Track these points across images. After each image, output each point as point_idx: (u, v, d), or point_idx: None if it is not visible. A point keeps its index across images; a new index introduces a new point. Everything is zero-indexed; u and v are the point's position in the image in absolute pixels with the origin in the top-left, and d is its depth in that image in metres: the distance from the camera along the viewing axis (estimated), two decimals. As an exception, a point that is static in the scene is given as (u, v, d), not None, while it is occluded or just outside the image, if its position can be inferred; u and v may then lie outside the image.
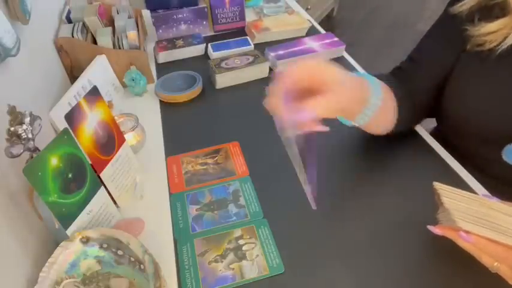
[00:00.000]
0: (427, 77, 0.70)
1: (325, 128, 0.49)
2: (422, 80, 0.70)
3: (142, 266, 0.51)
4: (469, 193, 0.51)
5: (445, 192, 0.50)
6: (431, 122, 0.84)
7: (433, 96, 0.71)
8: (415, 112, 0.70)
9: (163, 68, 1.03)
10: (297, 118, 0.47)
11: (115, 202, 0.64)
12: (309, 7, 2.52)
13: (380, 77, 0.65)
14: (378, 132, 0.67)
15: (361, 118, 0.57)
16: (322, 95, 0.47)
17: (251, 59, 0.97)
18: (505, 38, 0.58)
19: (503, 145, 0.63)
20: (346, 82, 0.50)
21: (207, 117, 0.86)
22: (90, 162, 0.58)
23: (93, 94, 0.60)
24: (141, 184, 0.70)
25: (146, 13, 1.19)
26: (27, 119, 0.51)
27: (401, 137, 0.74)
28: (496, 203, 0.50)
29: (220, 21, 1.18)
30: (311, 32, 1.16)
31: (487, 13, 0.60)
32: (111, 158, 0.64)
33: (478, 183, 0.65)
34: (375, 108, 0.56)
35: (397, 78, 0.71)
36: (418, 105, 0.70)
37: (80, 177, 0.55)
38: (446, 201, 0.49)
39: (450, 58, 0.67)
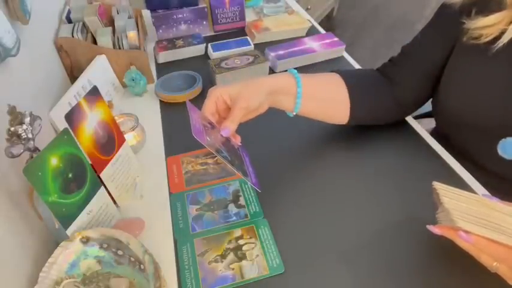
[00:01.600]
0: (415, 68, 0.72)
1: (238, 138, 0.64)
2: (409, 72, 0.72)
3: (142, 266, 0.51)
4: (469, 193, 0.51)
5: (445, 191, 0.50)
6: (431, 122, 0.84)
7: (423, 89, 0.73)
8: (387, 102, 0.74)
9: (163, 68, 1.03)
10: (218, 137, 0.60)
11: (115, 202, 0.64)
12: (309, 7, 2.52)
13: (347, 71, 0.74)
14: (336, 120, 0.73)
15: (294, 107, 0.66)
16: (229, 114, 0.59)
17: (251, 59, 0.97)
18: (501, 33, 0.59)
19: (498, 139, 0.63)
20: (242, 90, 0.60)
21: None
22: (90, 162, 0.58)
23: (93, 94, 0.60)
24: (141, 184, 0.70)
25: (146, 13, 1.19)
26: (27, 119, 0.51)
27: (392, 127, 0.77)
28: (496, 203, 0.50)
29: (220, 21, 1.18)
30: (311, 32, 1.16)
31: (484, 6, 0.61)
32: (111, 158, 0.64)
33: (478, 183, 0.65)
34: (300, 95, 0.65)
35: (385, 72, 0.75)
36: (402, 97, 0.73)
37: (80, 177, 0.55)
38: (446, 200, 0.49)
39: (440, 50, 0.68)
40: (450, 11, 0.65)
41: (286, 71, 0.67)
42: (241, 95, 0.60)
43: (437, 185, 0.51)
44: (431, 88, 0.72)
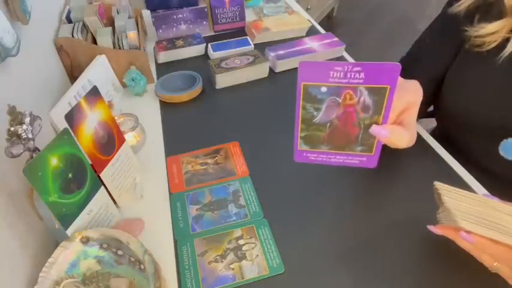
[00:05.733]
0: (424, 73, 0.71)
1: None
2: (420, 76, 0.71)
3: (142, 266, 0.51)
4: (470, 193, 0.51)
5: (446, 191, 0.50)
6: (431, 122, 0.84)
7: (430, 92, 0.73)
8: None
9: (163, 68, 1.03)
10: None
11: (115, 202, 0.64)
12: (309, 7, 2.52)
13: None
14: None
15: None
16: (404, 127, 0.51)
17: (251, 59, 0.97)
18: (504, 39, 0.59)
19: (500, 140, 0.64)
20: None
21: (207, 117, 0.86)
22: (90, 162, 0.58)
23: (93, 94, 0.60)
24: (141, 184, 0.70)
25: (146, 13, 1.19)
26: (27, 119, 0.51)
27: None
28: (498, 202, 0.50)
29: (220, 21, 1.18)
30: (311, 32, 1.16)
31: (486, 13, 0.61)
32: (111, 158, 0.64)
33: (478, 183, 0.65)
34: None
35: None
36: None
37: (80, 177, 0.55)
38: (447, 200, 0.49)
39: (448, 56, 0.69)
40: (454, 18, 0.66)
41: None
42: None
43: (439, 185, 0.51)
44: (438, 91, 0.73)
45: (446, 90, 0.69)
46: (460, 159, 0.70)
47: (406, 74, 0.72)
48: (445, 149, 0.72)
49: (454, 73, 0.67)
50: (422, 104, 0.73)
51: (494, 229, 0.47)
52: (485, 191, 0.64)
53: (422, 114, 0.79)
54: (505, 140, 0.63)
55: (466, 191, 0.51)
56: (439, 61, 0.70)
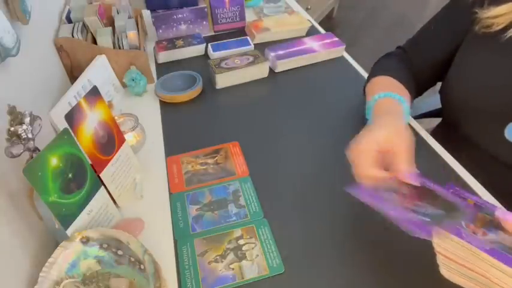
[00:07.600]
0: (425, 56, 0.75)
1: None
2: (420, 59, 0.76)
3: (142, 266, 0.51)
4: (462, 241, 0.46)
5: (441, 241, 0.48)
6: (432, 122, 0.84)
7: (429, 75, 0.77)
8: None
9: (163, 68, 1.03)
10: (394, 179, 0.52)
11: (115, 202, 0.64)
12: (309, 7, 2.52)
13: (391, 68, 0.75)
14: None
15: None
16: (397, 157, 0.52)
17: (251, 59, 0.97)
18: (511, 23, 0.60)
19: (506, 123, 0.64)
20: (388, 133, 0.55)
21: (207, 117, 0.86)
22: (90, 162, 0.58)
23: (93, 94, 0.60)
24: (141, 184, 0.70)
25: (146, 13, 1.19)
26: (27, 119, 0.51)
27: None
28: (485, 254, 0.45)
29: (220, 21, 1.18)
30: (311, 32, 1.16)
31: (496, 0, 0.62)
32: (111, 158, 0.64)
33: (478, 183, 0.65)
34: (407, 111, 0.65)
35: (400, 57, 0.78)
36: (416, 85, 0.76)
37: (80, 177, 0.55)
38: (436, 243, 0.49)
39: (452, 41, 0.70)
40: (461, 3, 0.68)
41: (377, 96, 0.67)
42: (391, 137, 0.54)
43: (437, 243, 0.48)
44: (439, 75, 0.75)
45: (452, 75, 0.70)
46: (464, 146, 0.70)
47: (409, 59, 0.75)
48: (449, 136, 0.73)
49: (460, 57, 0.69)
50: (423, 83, 0.77)
51: (470, 279, 0.46)
52: (485, 192, 0.64)
53: (423, 92, 0.81)
54: (511, 123, 0.64)
55: (459, 240, 0.47)
56: (441, 45, 0.72)
